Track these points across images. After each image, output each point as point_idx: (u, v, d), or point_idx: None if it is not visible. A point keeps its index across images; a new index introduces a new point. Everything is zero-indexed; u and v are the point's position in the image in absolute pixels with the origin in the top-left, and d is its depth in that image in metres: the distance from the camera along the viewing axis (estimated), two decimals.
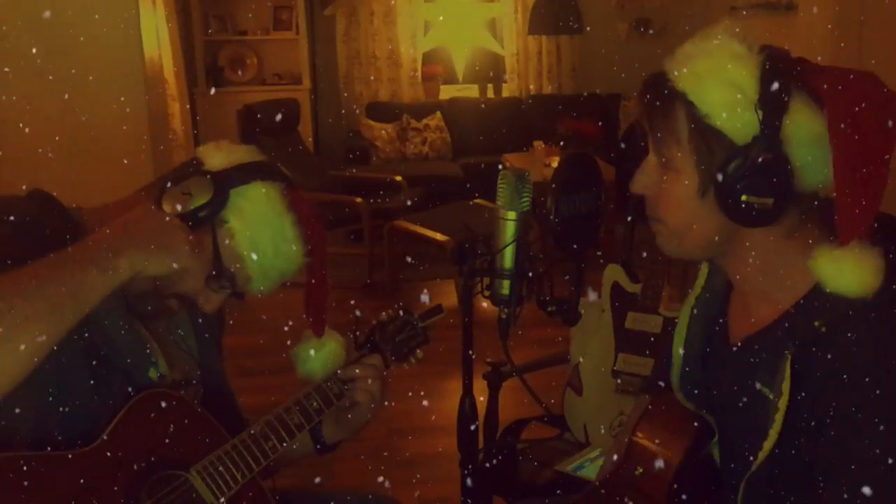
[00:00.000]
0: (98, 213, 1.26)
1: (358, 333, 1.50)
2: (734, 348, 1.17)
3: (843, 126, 0.97)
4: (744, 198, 1.01)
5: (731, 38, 1.03)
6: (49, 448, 1.13)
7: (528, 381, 1.38)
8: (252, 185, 1.25)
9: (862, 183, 0.97)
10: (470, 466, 1.42)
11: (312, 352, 1.43)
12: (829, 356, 0.99)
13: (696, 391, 1.27)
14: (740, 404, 1.14)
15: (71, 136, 3.30)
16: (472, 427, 1.41)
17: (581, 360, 2.15)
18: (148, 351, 1.27)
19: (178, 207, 1.20)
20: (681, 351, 1.27)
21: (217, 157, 1.27)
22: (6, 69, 3.08)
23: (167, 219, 1.17)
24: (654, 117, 1.08)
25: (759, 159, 0.99)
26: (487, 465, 1.92)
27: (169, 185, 1.23)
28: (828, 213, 1.01)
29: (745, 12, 5.78)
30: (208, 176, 1.23)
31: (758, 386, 1.10)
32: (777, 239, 1.06)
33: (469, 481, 1.41)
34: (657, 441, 1.28)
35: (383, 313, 1.53)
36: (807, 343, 1.02)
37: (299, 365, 1.44)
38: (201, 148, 1.30)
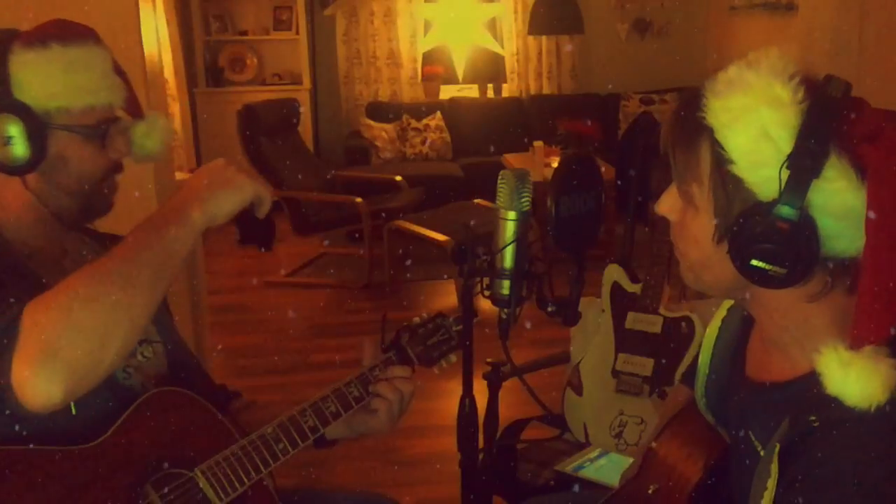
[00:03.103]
0: None
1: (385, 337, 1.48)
2: (744, 379, 1.12)
3: (882, 214, 0.86)
4: (754, 262, 0.92)
5: (776, 75, 0.91)
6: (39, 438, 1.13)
7: (528, 381, 1.37)
8: (11, 62, 1.22)
9: (892, 282, 0.87)
10: (470, 466, 1.42)
11: (145, 130, 1.40)
12: (810, 457, 0.92)
13: (715, 402, 1.23)
14: (739, 439, 1.10)
15: None
16: (472, 427, 1.41)
17: (581, 360, 2.15)
18: None
19: (14, 151, 1.20)
20: (708, 358, 1.21)
21: None
22: None
23: (221, 164, 1.22)
24: (677, 148, 0.99)
25: (777, 224, 0.90)
26: (487, 465, 1.92)
27: None
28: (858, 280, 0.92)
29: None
30: None
31: (751, 436, 1.05)
32: (797, 300, 0.97)
33: (469, 481, 1.41)
34: (678, 454, 1.22)
35: (415, 318, 1.51)
36: (796, 437, 0.94)
37: (137, 150, 1.40)
38: None
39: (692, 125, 0.96)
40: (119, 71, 1.34)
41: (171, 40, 5.89)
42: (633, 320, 2.09)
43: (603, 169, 2.58)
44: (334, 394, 1.37)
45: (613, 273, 2.14)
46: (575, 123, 6.04)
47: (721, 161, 0.93)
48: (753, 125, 0.90)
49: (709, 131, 0.94)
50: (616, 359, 2.09)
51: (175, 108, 5.85)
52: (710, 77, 0.97)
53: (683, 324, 2.02)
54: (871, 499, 0.87)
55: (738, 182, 0.93)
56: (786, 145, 0.89)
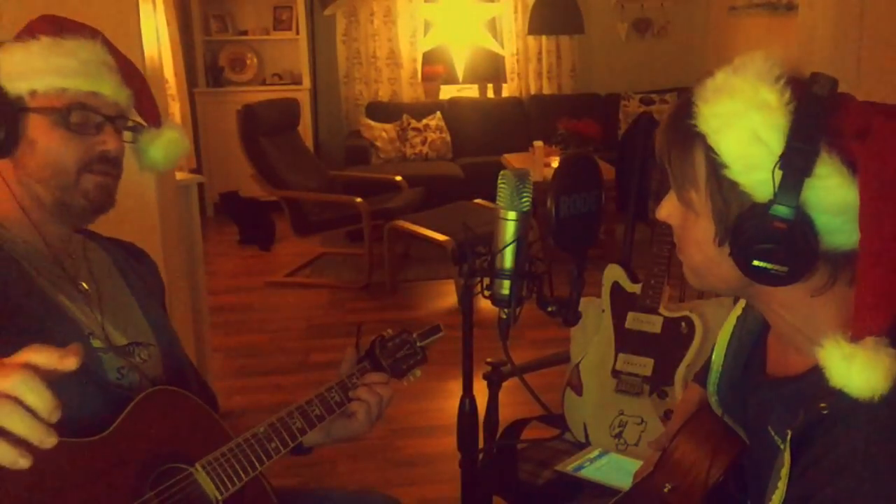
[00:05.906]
0: None
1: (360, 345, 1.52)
2: (765, 377, 1.13)
3: (875, 207, 0.89)
4: (756, 262, 0.94)
5: (762, 79, 0.94)
6: None
7: (528, 381, 1.38)
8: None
9: (890, 274, 0.89)
10: (470, 466, 1.42)
11: (152, 137, 1.38)
12: (821, 443, 0.94)
13: (728, 400, 1.23)
14: (759, 436, 1.11)
15: None
16: (472, 427, 1.41)
17: (581, 360, 2.15)
18: (76, 321, 1.25)
19: None
20: (722, 355, 1.23)
21: None
22: None
23: None
24: (672, 155, 1.01)
25: (774, 224, 0.92)
26: (487, 465, 1.92)
27: None
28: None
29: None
30: None
31: (771, 431, 1.07)
32: (803, 296, 0.99)
33: (469, 481, 1.41)
34: (695, 453, 1.23)
35: (384, 332, 1.54)
36: (808, 424, 0.95)
37: (142, 158, 1.38)
38: None
39: (685, 132, 0.98)
40: (127, 72, 1.32)
41: (171, 40, 5.88)
42: (633, 320, 2.09)
43: (603, 169, 2.58)
44: (318, 398, 1.41)
45: (613, 273, 2.14)
46: (575, 123, 6.04)
47: (715, 166, 0.95)
48: (744, 129, 0.93)
49: (701, 137, 0.96)
50: (616, 359, 2.09)
51: (175, 108, 5.84)
52: (699, 81, 0.98)
53: (683, 324, 2.02)
54: (881, 483, 0.89)
55: (733, 185, 0.95)
56: (777, 147, 0.91)
